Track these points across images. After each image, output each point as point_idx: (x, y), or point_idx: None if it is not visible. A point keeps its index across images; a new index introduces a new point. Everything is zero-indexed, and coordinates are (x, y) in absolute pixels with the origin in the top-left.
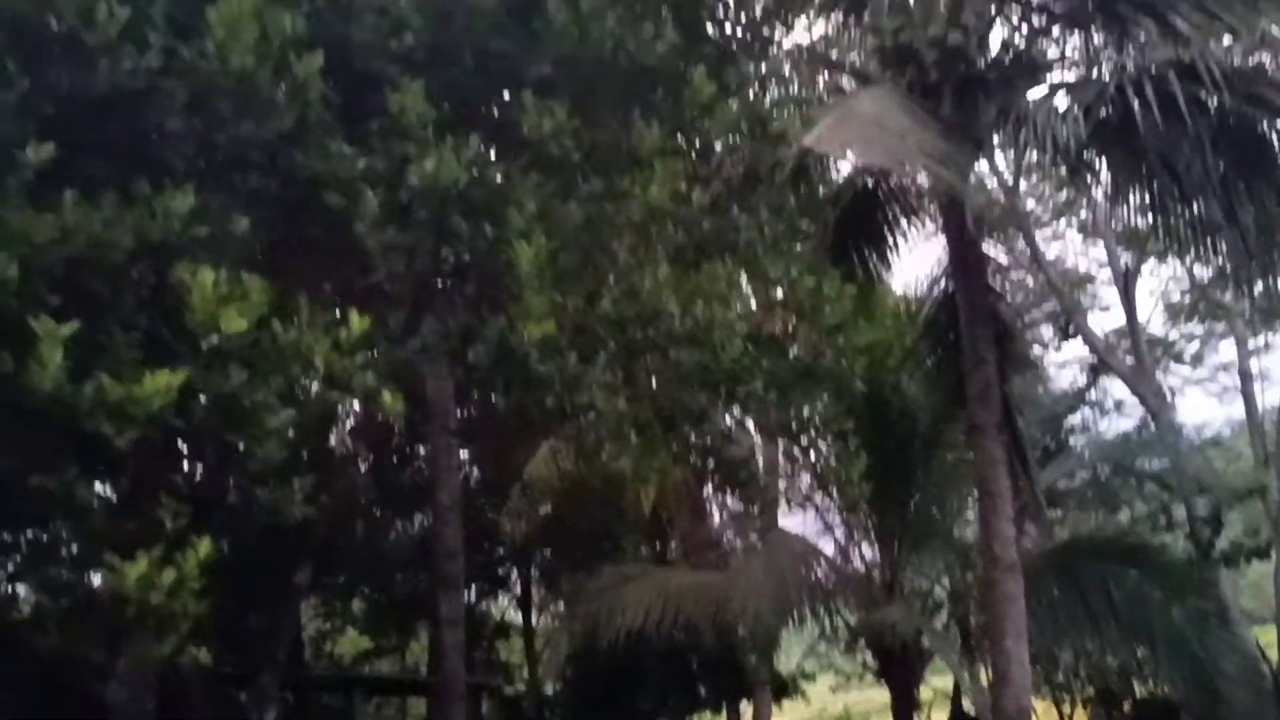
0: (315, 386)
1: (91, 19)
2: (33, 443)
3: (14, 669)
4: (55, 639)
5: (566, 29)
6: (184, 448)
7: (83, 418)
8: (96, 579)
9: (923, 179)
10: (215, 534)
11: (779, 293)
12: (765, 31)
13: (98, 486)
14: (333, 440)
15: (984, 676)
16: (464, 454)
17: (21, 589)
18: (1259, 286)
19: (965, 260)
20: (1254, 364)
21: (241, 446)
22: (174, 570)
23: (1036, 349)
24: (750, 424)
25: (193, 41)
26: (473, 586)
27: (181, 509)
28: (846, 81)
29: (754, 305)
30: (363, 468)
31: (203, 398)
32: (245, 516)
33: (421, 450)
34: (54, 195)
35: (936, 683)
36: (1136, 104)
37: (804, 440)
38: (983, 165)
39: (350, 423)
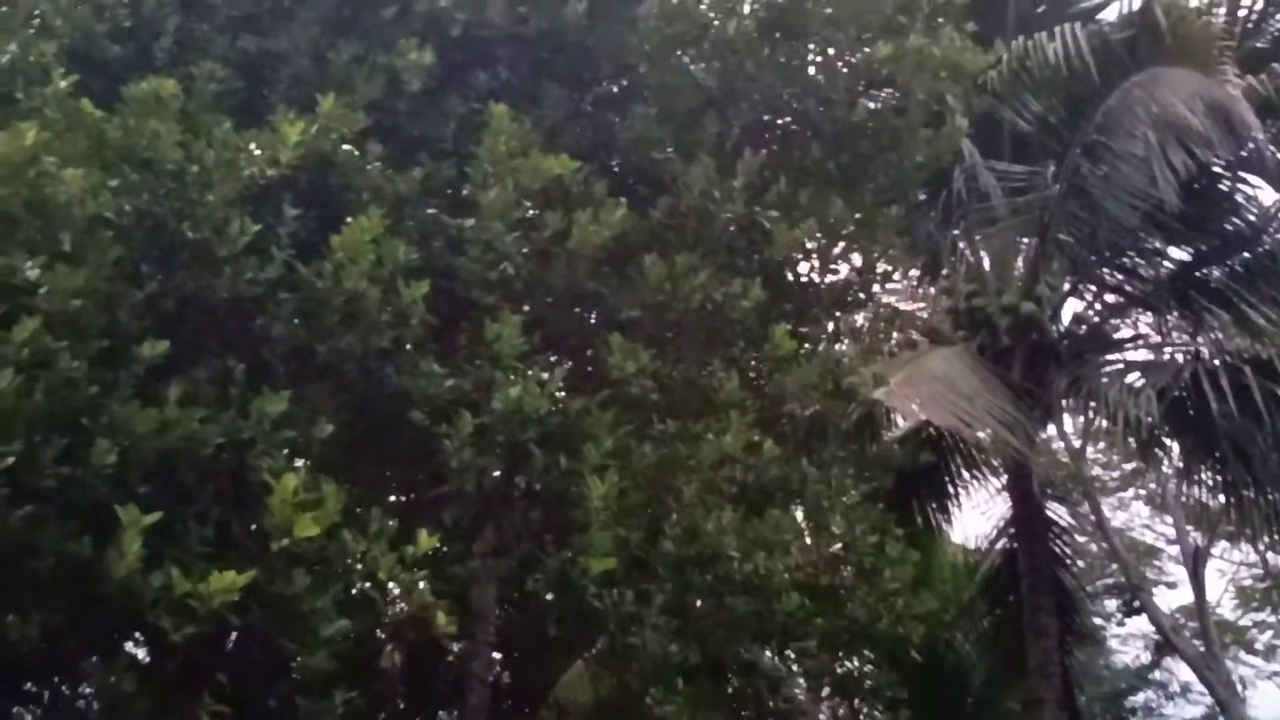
0: (373, 596)
1: (224, 232)
2: (91, 628)
3: None
4: None
5: (660, 281)
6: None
7: (145, 609)
8: None
9: (989, 438)
10: None
11: (839, 548)
12: (847, 295)
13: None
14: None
15: None
16: (497, 655)
17: None
18: None
19: (1029, 526)
20: None
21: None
22: None
23: (1099, 620)
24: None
25: (311, 261)
26: None
27: (221, 709)
28: (918, 337)
29: (813, 558)
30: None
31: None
32: None
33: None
34: (158, 389)
35: None
36: (1211, 392)
37: (855, 702)
38: (1050, 429)
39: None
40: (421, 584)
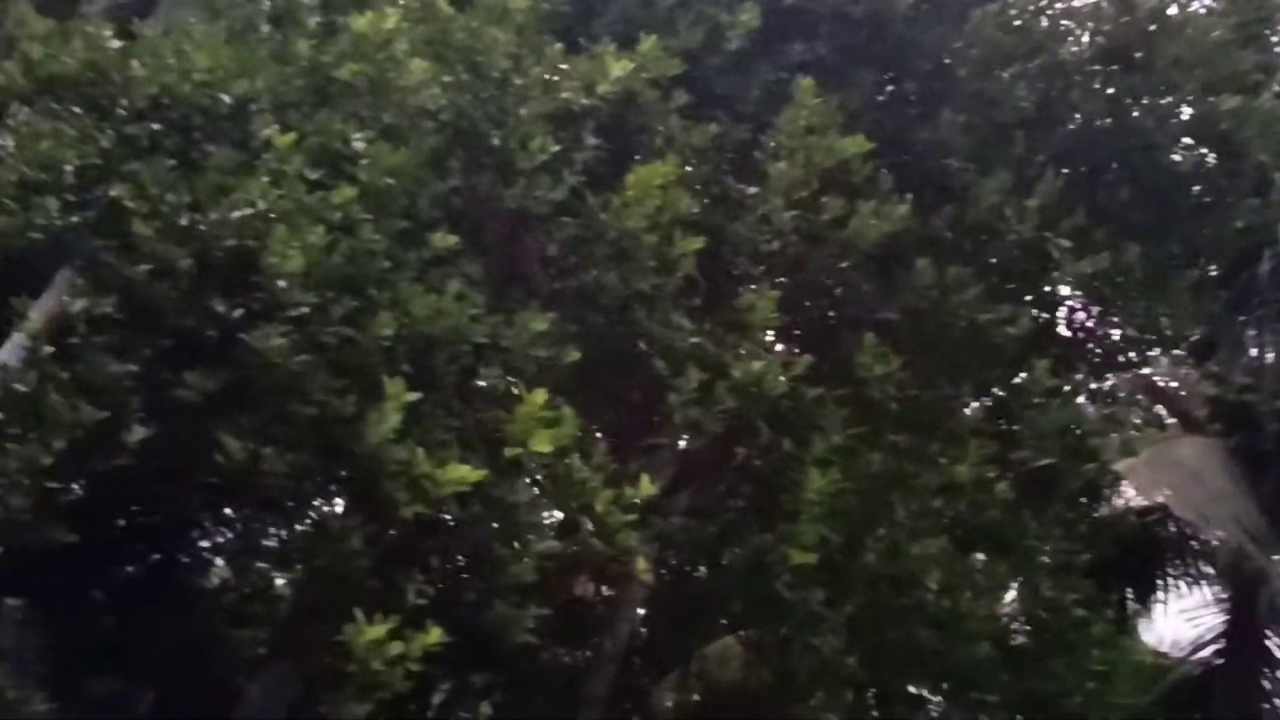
0: (586, 528)
1: (526, 145)
2: (329, 478)
3: (178, 635)
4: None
5: (927, 288)
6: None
7: (385, 478)
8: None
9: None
10: (443, 625)
11: (1041, 611)
12: (1116, 353)
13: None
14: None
15: None
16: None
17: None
18: None
19: (1241, 647)
20: None
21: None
22: (402, 645)
23: None
24: None
25: (598, 192)
26: None
27: (425, 588)
28: (1169, 417)
29: (1013, 611)
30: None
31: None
32: (473, 620)
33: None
34: (439, 278)
35: None
36: None
37: None
38: None
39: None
40: (631, 529)
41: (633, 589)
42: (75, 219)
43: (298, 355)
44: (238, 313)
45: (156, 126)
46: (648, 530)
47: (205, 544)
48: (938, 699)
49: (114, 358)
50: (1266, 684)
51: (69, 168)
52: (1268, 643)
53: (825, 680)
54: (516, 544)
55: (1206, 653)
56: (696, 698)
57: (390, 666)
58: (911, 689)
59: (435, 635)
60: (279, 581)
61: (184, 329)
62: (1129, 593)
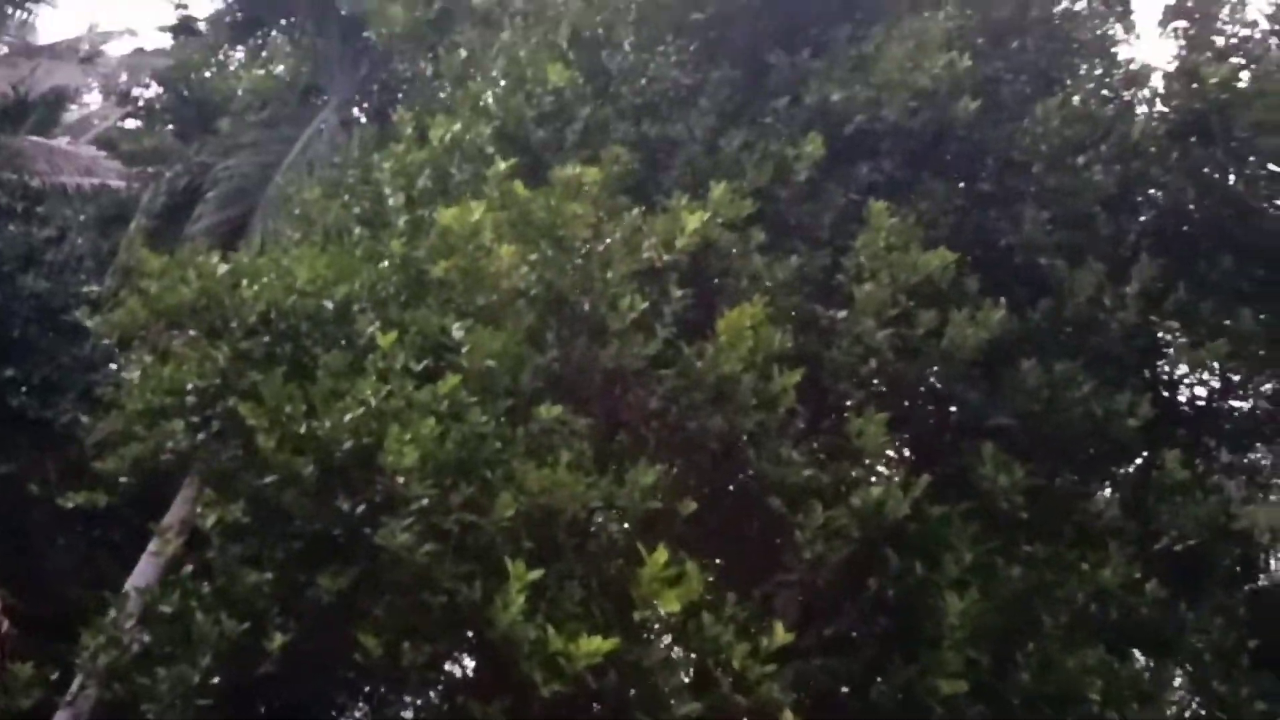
0: (724, 684)
1: (617, 306)
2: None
3: None
4: None
5: (1038, 389)
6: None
7: (521, 659)
8: None
9: None
10: None
11: (1215, 709)
12: (1250, 426)
13: None
14: None
15: None
16: None
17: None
18: None
19: None
20: None
21: None
22: None
23: None
24: None
25: (691, 341)
26: None
27: None
28: None
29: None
30: None
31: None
32: None
33: None
34: (549, 450)
35: None
36: None
37: None
38: None
39: None
40: (773, 679)
41: None
42: (201, 436)
43: (423, 546)
44: (361, 509)
45: (267, 339)
46: (785, 677)
47: None
48: None
49: (250, 567)
50: None
51: (190, 387)
52: None
53: None
54: (656, 709)
55: None
56: None
57: None
58: None
59: None
60: None
61: (312, 531)
62: None
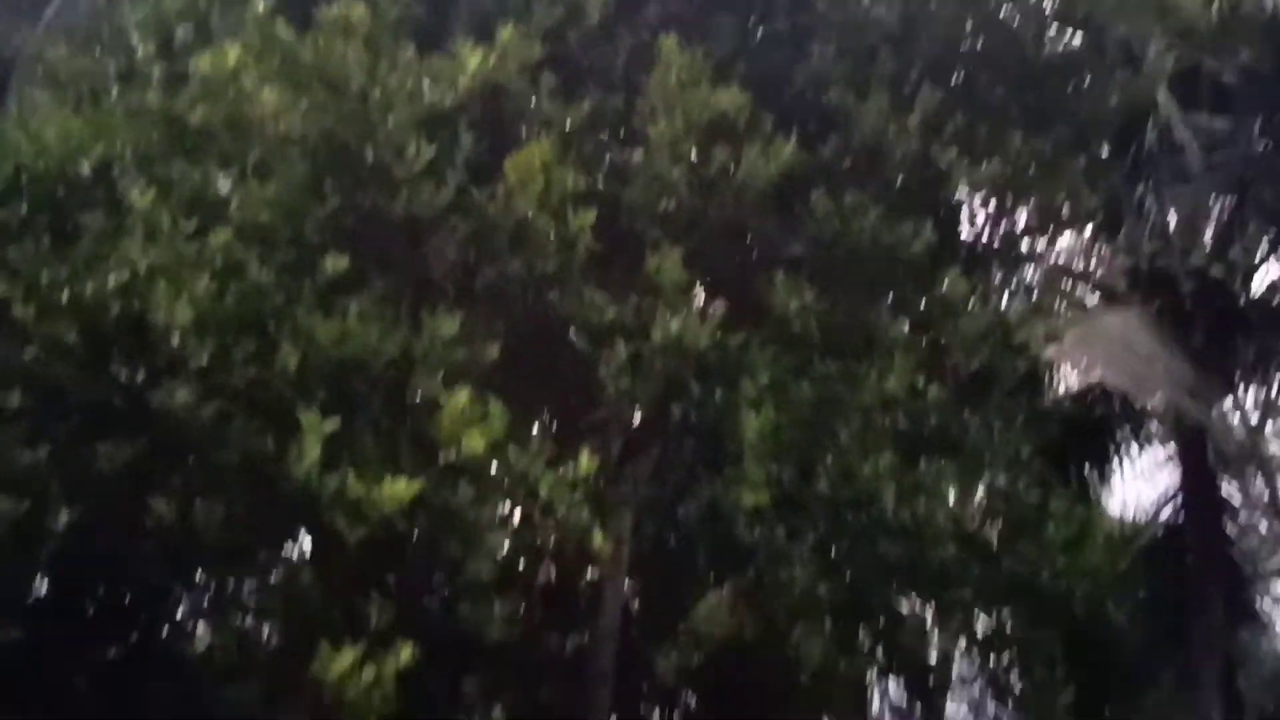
0: (535, 515)
1: (402, 154)
2: (273, 524)
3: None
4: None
5: (827, 217)
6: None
7: (323, 509)
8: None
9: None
10: (414, 639)
11: (999, 502)
12: (1021, 245)
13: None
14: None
15: None
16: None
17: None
18: None
19: (1199, 499)
20: None
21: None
22: (374, 669)
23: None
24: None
25: (484, 185)
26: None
27: (387, 608)
28: (1091, 296)
29: (971, 508)
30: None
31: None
32: (444, 627)
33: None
34: (339, 301)
35: None
36: None
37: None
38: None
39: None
40: (581, 506)
41: (616, 566)
42: None
43: (207, 406)
44: (140, 376)
45: (23, 208)
46: (599, 506)
47: (181, 611)
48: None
49: (25, 448)
50: (1227, 525)
51: None
52: (1223, 489)
53: (804, 614)
54: (469, 546)
55: (1169, 511)
56: (698, 659)
57: (366, 694)
58: (892, 601)
59: (407, 654)
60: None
61: (89, 403)
62: (1086, 468)
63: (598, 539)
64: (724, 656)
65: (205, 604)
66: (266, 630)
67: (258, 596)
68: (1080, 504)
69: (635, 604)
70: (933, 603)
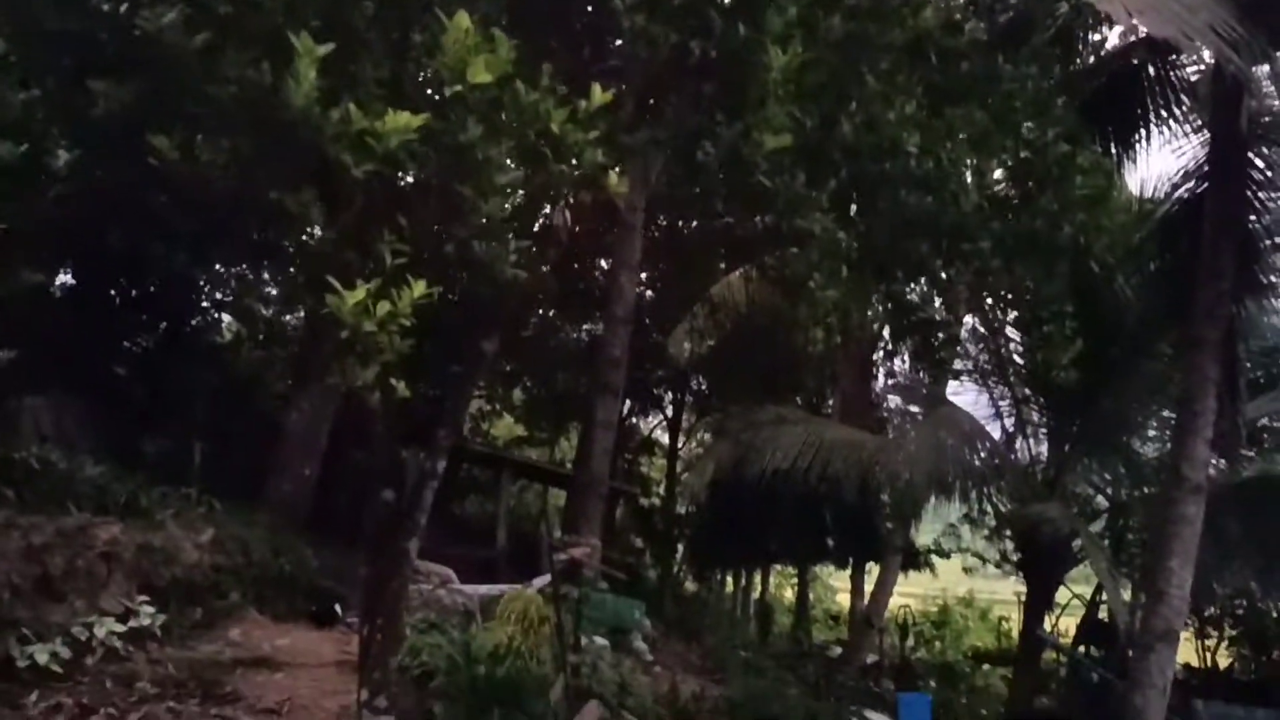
0: (547, 153)
1: None
2: (277, 160)
3: (209, 390)
4: (248, 364)
5: None
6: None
7: (326, 143)
8: (292, 317)
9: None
10: (428, 279)
11: (1027, 154)
12: None
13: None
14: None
15: (1130, 592)
16: (643, 275)
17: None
18: None
19: (1227, 163)
20: None
21: (467, 198)
22: (389, 304)
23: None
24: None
25: None
26: (628, 401)
27: (400, 247)
28: None
29: (997, 163)
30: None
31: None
32: (459, 266)
33: (604, 263)
34: None
35: (1074, 589)
36: None
37: (1016, 314)
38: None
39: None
40: (594, 145)
41: (630, 246)
42: None
43: (196, 36)
44: (124, 7)
45: None
46: (614, 147)
47: (206, 304)
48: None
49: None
50: (1250, 194)
51: None
52: (1249, 156)
53: (823, 260)
54: (479, 181)
55: (1192, 184)
56: (710, 342)
57: (380, 327)
58: (911, 252)
59: (420, 288)
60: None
61: (80, 47)
62: (1111, 131)
63: (612, 179)
64: (736, 337)
65: (228, 294)
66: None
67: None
68: (1107, 157)
69: (649, 295)
70: (952, 256)
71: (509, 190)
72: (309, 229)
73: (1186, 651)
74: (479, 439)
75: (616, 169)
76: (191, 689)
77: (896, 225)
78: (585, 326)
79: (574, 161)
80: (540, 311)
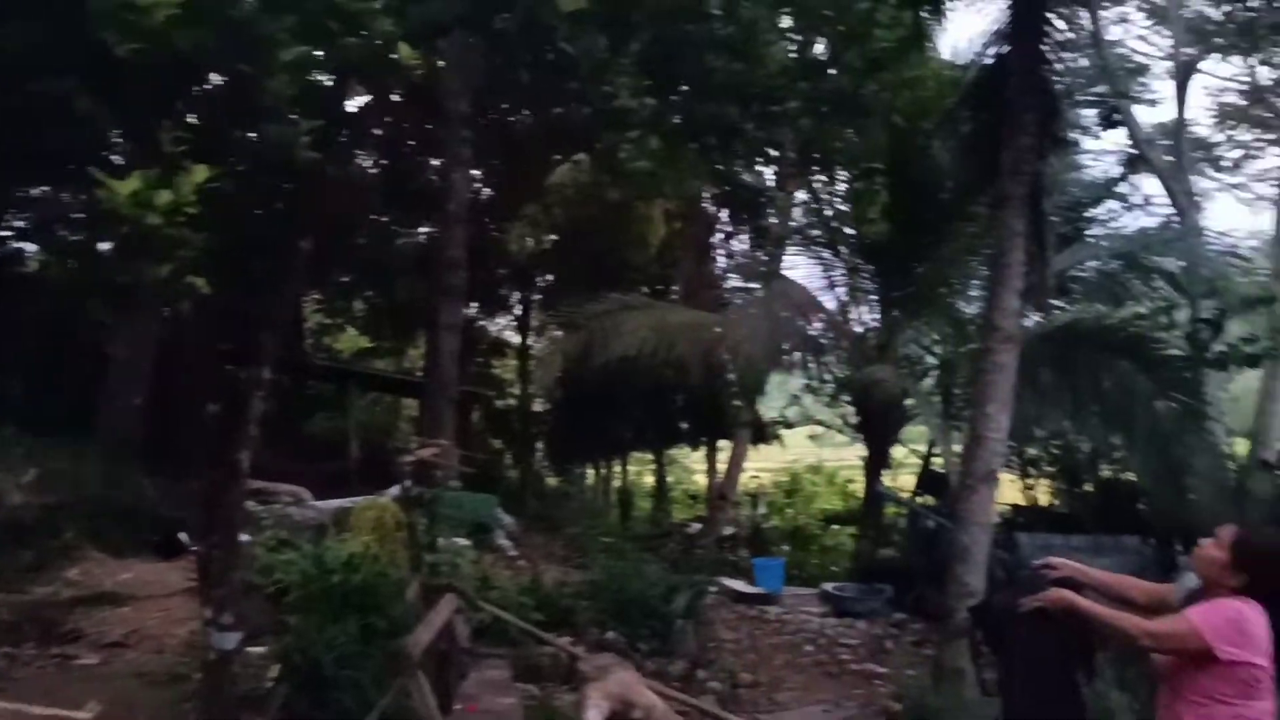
0: (332, 27)
1: None
2: (37, 47)
3: (22, 323)
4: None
5: None
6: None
7: (85, 20)
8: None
9: None
10: (216, 163)
11: (828, 12)
12: None
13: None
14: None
15: (959, 444)
16: (476, 173)
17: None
18: None
19: (1026, 23)
20: None
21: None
22: (169, 193)
23: (1077, 134)
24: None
25: None
26: (473, 304)
27: (180, 134)
28: None
29: (802, 23)
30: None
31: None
32: (249, 150)
33: (434, 161)
34: None
35: (910, 446)
36: None
37: (817, 173)
38: None
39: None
40: (385, 16)
41: (458, 140)
42: None
43: None
44: None
45: None
46: (410, 19)
47: (8, 232)
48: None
49: None
50: (1049, 51)
51: None
52: (1051, 19)
53: (629, 124)
54: (266, 60)
55: (997, 46)
56: (553, 237)
57: (166, 219)
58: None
59: (201, 173)
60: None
61: None
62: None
63: (404, 51)
64: (574, 232)
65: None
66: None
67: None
68: (905, 10)
69: (485, 193)
70: (763, 119)
71: (296, 68)
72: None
73: (1014, 492)
74: (323, 354)
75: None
76: (27, 631)
77: (703, 89)
78: (422, 229)
79: (363, 34)
80: (372, 217)
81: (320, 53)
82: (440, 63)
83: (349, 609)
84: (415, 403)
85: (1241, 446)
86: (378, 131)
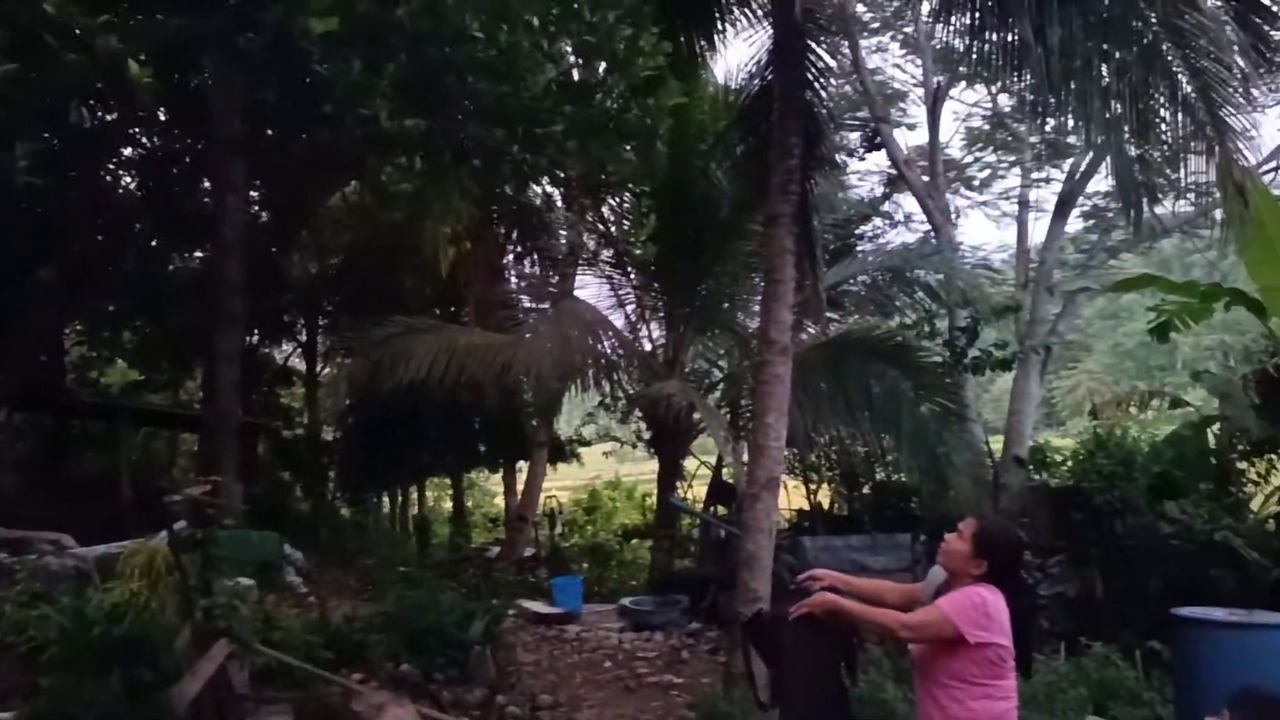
0: (50, 41)
1: None
2: None
3: None
4: None
5: None
6: None
7: None
8: None
9: None
10: None
11: (590, 38)
12: None
13: None
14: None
15: (746, 454)
16: (254, 195)
17: None
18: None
19: (788, 51)
20: (1032, 195)
21: None
22: None
23: (842, 156)
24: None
25: None
26: (256, 331)
27: None
28: None
29: (567, 48)
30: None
31: None
32: None
33: (207, 184)
34: None
35: (702, 458)
36: None
37: (601, 195)
38: None
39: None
40: (108, 33)
41: (230, 162)
42: None
43: None
44: None
45: None
46: (145, 34)
47: None
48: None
49: None
50: (812, 77)
51: None
52: (809, 43)
53: (392, 146)
54: None
55: (764, 72)
56: (335, 261)
57: None
58: (487, 139)
59: None
60: None
61: None
62: (686, 19)
63: (135, 69)
64: (357, 256)
65: None
66: None
67: None
68: (665, 39)
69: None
70: (529, 141)
71: (12, 83)
72: None
73: (799, 498)
74: (89, 389)
75: (142, 58)
76: None
77: (467, 111)
78: (197, 254)
79: (87, 51)
80: (140, 242)
81: (34, 72)
82: (196, 82)
83: (112, 663)
84: (196, 436)
85: (998, 444)
86: (129, 152)
